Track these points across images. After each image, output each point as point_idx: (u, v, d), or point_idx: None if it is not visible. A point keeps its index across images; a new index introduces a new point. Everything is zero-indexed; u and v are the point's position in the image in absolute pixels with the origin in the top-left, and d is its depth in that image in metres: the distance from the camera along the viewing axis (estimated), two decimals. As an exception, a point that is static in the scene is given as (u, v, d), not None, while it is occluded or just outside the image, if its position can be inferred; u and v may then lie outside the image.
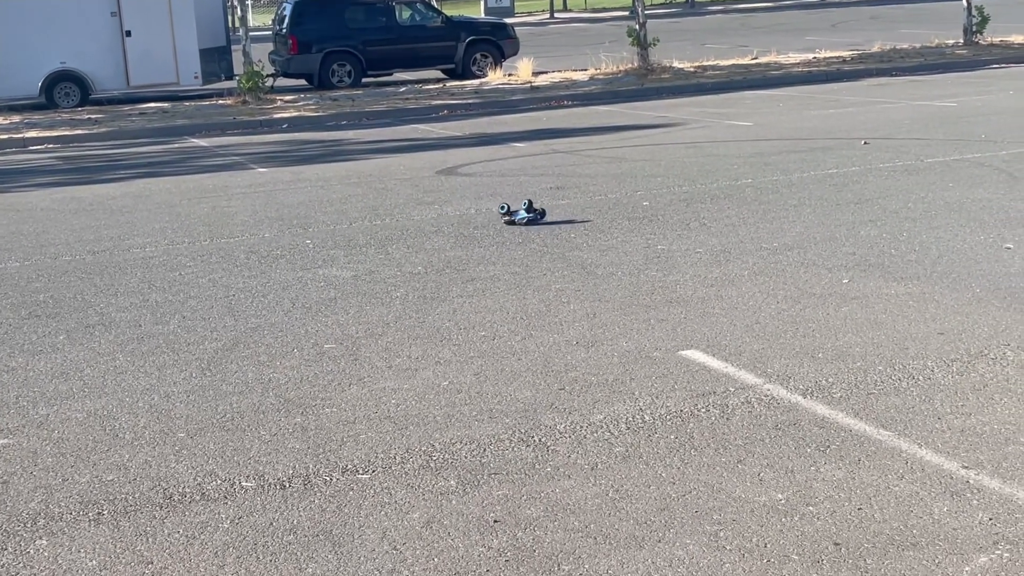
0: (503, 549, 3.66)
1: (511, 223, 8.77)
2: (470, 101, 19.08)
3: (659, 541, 3.67)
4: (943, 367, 5.14)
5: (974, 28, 24.23)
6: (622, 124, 15.37)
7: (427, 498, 4.07)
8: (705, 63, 22.70)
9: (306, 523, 3.91)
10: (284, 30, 22.70)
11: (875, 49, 23.80)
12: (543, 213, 8.86)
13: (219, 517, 4.00)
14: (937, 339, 5.53)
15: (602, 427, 4.64)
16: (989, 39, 24.21)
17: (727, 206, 9.11)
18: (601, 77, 21.40)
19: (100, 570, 3.67)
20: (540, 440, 4.54)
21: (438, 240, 8.44)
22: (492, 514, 3.91)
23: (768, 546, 3.60)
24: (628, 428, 4.62)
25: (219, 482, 4.29)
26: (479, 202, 9.91)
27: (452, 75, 23.35)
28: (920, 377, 5.03)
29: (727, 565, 3.49)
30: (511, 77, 22.12)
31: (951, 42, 24.78)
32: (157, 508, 4.09)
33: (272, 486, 4.23)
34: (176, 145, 15.89)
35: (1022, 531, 3.60)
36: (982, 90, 17.03)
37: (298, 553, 3.71)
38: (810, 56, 23.34)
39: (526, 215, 8.78)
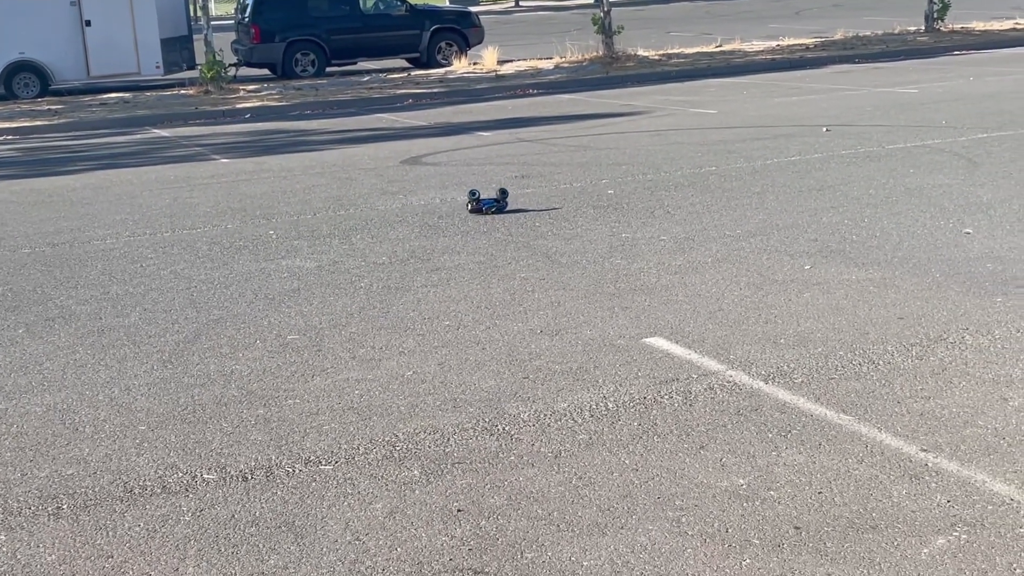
0: (466, 538, 3.66)
1: (477, 211, 8.73)
2: (435, 90, 19.03)
3: (622, 527, 3.68)
4: (903, 352, 5.18)
5: (935, 15, 24.42)
6: (587, 113, 15.38)
7: (390, 488, 4.06)
8: (670, 51, 22.74)
9: (268, 515, 3.90)
10: (246, 19, 22.54)
11: (838, 36, 23.94)
12: (504, 195, 8.81)
13: (180, 510, 3.97)
14: (897, 324, 5.58)
15: (566, 415, 4.65)
16: (950, 26, 24.40)
17: (691, 194, 9.14)
18: (566, 66, 21.40)
19: (59, 564, 3.64)
20: (504, 429, 4.54)
21: (403, 230, 8.42)
22: (455, 503, 3.91)
23: (729, 531, 3.62)
24: (592, 416, 4.63)
25: (180, 475, 4.26)
26: (444, 192, 9.89)
27: (417, 64, 23.28)
28: (880, 362, 5.07)
29: (689, 550, 3.51)
30: (476, 66, 22.08)
31: (913, 29, 24.97)
32: (117, 502, 4.06)
33: (234, 478, 4.21)
34: (138, 136, 15.75)
35: (980, 513, 3.64)
36: (943, 77, 17.17)
37: (260, 545, 3.69)
38: (774, 44, 23.45)
39: (494, 204, 8.74)
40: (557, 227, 8.19)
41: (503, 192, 8.87)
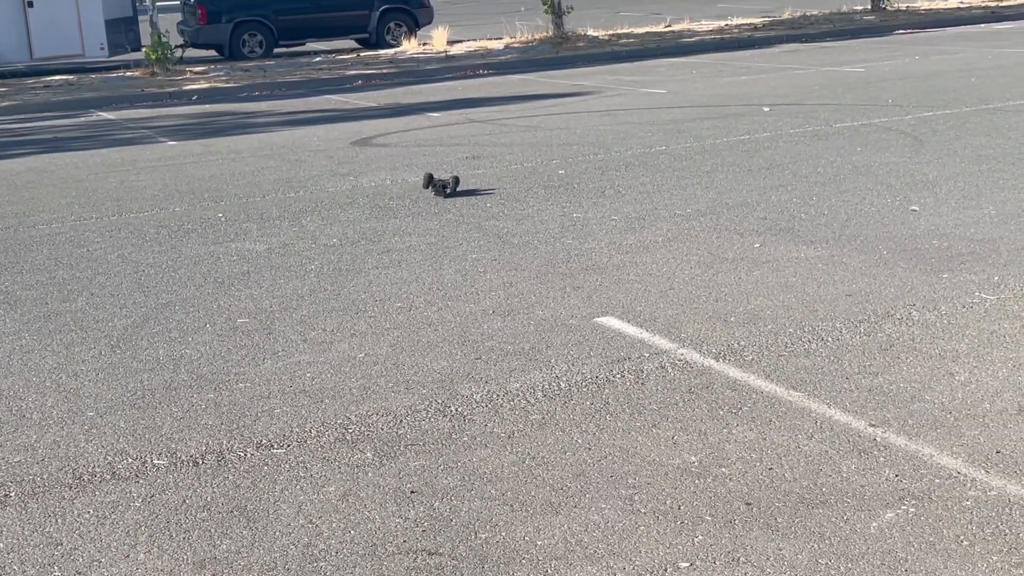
0: (420, 519, 3.66)
1: (441, 194, 8.57)
2: (385, 71, 18.92)
3: (575, 506, 3.69)
4: (851, 328, 5.24)
5: (882, -6, 24.65)
6: (538, 93, 15.37)
7: (343, 471, 4.04)
8: (620, 31, 22.78)
9: (220, 499, 3.87)
10: (193, 0, 22.25)
11: (786, 16, 24.10)
12: (456, 183, 8.70)
13: (130, 496, 3.93)
14: (845, 301, 5.63)
15: (518, 395, 4.65)
16: (896, 5, 24.66)
17: (641, 173, 9.16)
18: (517, 46, 21.36)
19: (8, 553, 3.59)
20: (457, 410, 4.54)
21: (353, 212, 8.37)
22: (409, 485, 3.90)
23: (682, 508, 3.64)
24: (544, 396, 4.64)
25: (130, 460, 4.22)
26: (395, 173, 9.84)
27: (366, 44, 23.13)
28: (829, 338, 5.12)
29: (642, 528, 3.53)
30: (426, 46, 21.98)
31: (859, 8, 25.19)
32: (66, 489, 4.01)
33: (185, 463, 4.17)
34: (82, 119, 15.52)
35: (927, 486, 3.69)
36: (889, 55, 17.33)
37: (212, 530, 3.66)
38: (723, 23, 23.55)
39: (443, 189, 8.63)
40: (508, 208, 8.19)
41: (455, 180, 8.71)
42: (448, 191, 8.58)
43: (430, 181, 8.69)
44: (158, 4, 20.80)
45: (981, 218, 7.07)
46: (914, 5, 24.93)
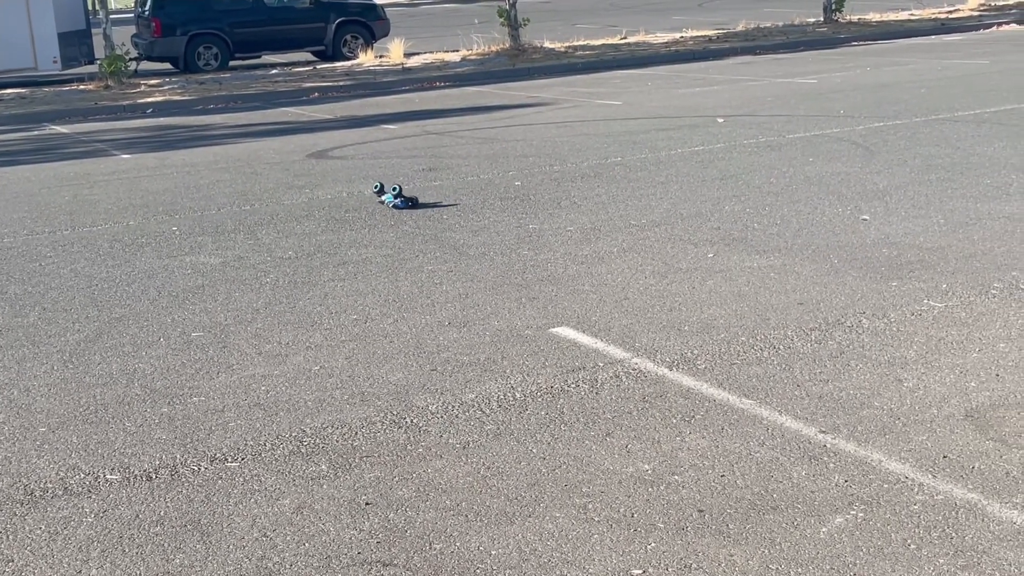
0: (375, 531, 3.66)
1: (383, 204, 8.73)
2: (341, 83, 18.89)
3: (529, 516, 3.71)
4: (802, 336, 5.30)
5: (833, 6, 24.96)
6: (494, 105, 15.41)
7: (298, 484, 4.04)
8: (576, 43, 22.89)
9: (173, 514, 3.85)
10: (147, 12, 22.13)
11: (740, 28, 24.33)
12: (415, 201, 8.71)
13: (83, 511, 3.91)
14: (797, 309, 5.70)
15: (474, 406, 4.67)
16: (848, 17, 24.96)
17: (597, 184, 9.22)
18: (473, 58, 21.41)
19: (-43, 571, 3.55)
20: (412, 421, 4.55)
21: (309, 224, 8.36)
22: (364, 497, 3.91)
23: (635, 516, 3.67)
24: (499, 406, 4.65)
25: (83, 476, 4.19)
26: (351, 185, 9.84)
27: (323, 57, 23.09)
28: (780, 346, 5.18)
29: (595, 536, 3.55)
30: (383, 59, 21.97)
31: (812, 20, 25.48)
32: (18, 505, 3.98)
33: (138, 478, 4.15)
34: (35, 132, 15.38)
35: (876, 492, 3.75)
36: (841, 67, 17.55)
37: (165, 544, 3.65)
38: (677, 35, 23.74)
39: (392, 199, 8.68)
40: (464, 219, 8.21)
41: (403, 194, 8.71)
42: (395, 203, 8.60)
43: (382, 190, 8.75)
44: (112, 16, 20.65)
45: (930, 227, 7.18)
46: (866, 17, 25.26)
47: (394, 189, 8.80)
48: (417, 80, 18.88)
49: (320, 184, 9.99)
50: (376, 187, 8.96)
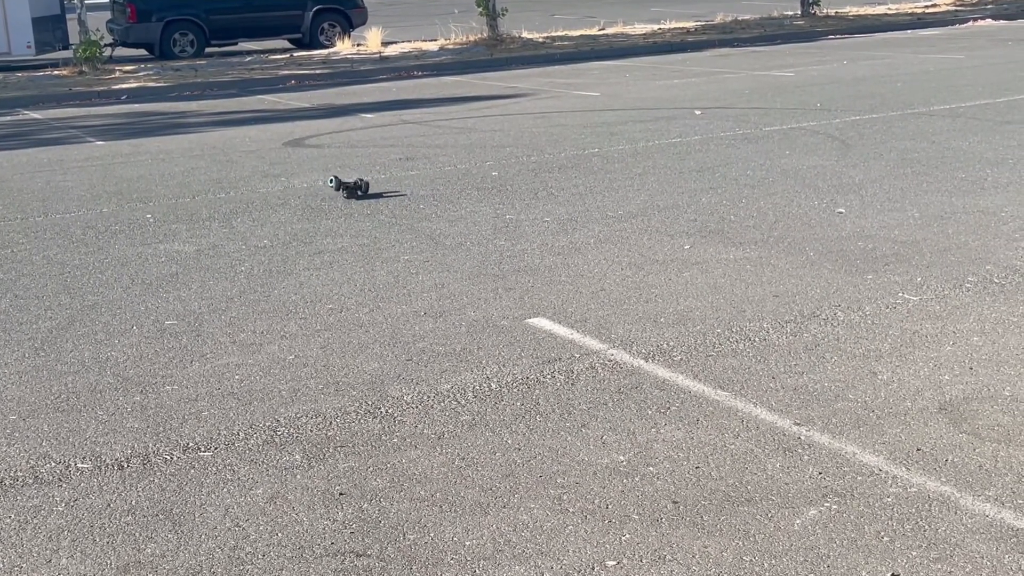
0: (348, 521, 3.64)
1: (353, 196, 8.57)
2: (318, 71, 18.81)
3: (504, 507, 3.70)
4: (777, 328, 5.31)
5: (811, 0, 25.00)
6: (472, 95, 15.37)
7: (271, 474, 4.01)
8: (554, 34, 22.86)
9: (145, 503, 3.82)
10: (122, -2, 21.93)
11: (718, 21, 24.35)
12: (363, 188, 8.61)
13: (53, 500, 3.87)
14: (772, 301, 5.71)
15: (449, 396, 4.65)
16: (825, 11, 25.02)
17: (574, 175, 9.21)
18: (451, 47, 21.35)
19: (-75, 561, 3.51)
20: (387, 411, 4.53)
21: (284, 213, 8.31)
22: (338, 487, 3.89)
23: (610, 507, 3.67)
24: (475, 397, 4.64)
25: (53, 464, 4.15)
26: (327, 174, 9.77)
27: (299, 45, 22.97)
28: (756, 339, 5.18)
29: (570, 527, 3.55)
30: (360, 47, 21.88)
31: (790, 14, 25.53)
32: (-13, 494, 3.94)
33: (109, 467, 4.11)
34: (8, 118, 15.23)
35: (850, 484, 3.76)
36: (818, 60, 17.59)
37: (136, 534, 3.62)
38: (656, 27, 23.73)
39: (345, 189, 8.55)
40: (441, 209, 8.18)
41: (365, 183, 8.65)
42: (360, 193, 8.55)
43: (340, 184, 8.63)
44: (87, 2, 20.47)
45: (905, 220, 7.21)
46: (843, 11, 25.33)
47: (331, 181, 8.67)
48: (395, 69, 18.81)
49: (296, 173, 9.93)
50: (331, 181, 8.76)
